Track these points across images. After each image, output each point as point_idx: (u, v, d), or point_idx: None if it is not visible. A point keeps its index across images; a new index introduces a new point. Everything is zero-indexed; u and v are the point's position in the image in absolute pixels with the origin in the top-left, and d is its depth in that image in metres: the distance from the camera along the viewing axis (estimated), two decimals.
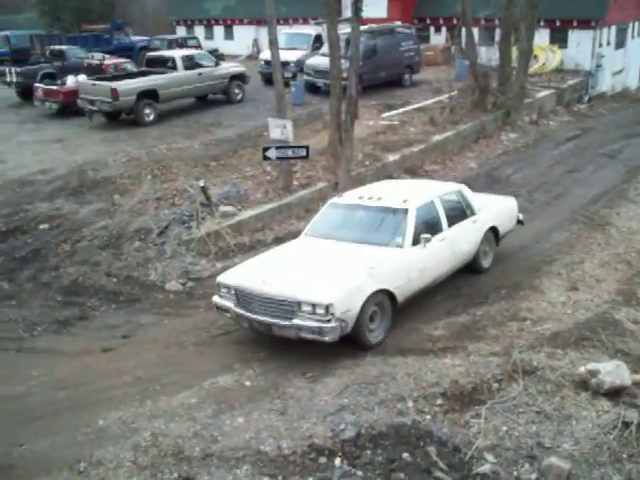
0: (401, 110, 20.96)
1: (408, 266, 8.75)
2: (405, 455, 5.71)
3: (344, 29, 18.17)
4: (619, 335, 7.89)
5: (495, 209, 10.88)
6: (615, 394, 6.38)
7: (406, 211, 9.17)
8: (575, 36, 27.08)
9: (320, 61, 21.39)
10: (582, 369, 6.66)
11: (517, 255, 11.50)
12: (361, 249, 8.83)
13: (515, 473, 5.52)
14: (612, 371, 6.46)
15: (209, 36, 37.93)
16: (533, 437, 5.91)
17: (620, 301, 9.16)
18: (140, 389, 7.66)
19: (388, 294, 8.41)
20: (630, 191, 15.18)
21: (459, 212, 10.09)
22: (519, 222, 11.41)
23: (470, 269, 10.37)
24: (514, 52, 21.86)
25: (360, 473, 5.59)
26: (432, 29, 31.22)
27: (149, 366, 8.38)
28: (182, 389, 7.51)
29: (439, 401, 6.54)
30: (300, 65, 23.45)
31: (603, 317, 8.46)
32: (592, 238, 12.07)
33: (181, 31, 39.23)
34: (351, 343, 8.11)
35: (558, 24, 26.97)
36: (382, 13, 29.14)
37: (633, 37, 31.74)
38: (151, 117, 20.00)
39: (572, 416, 6.17)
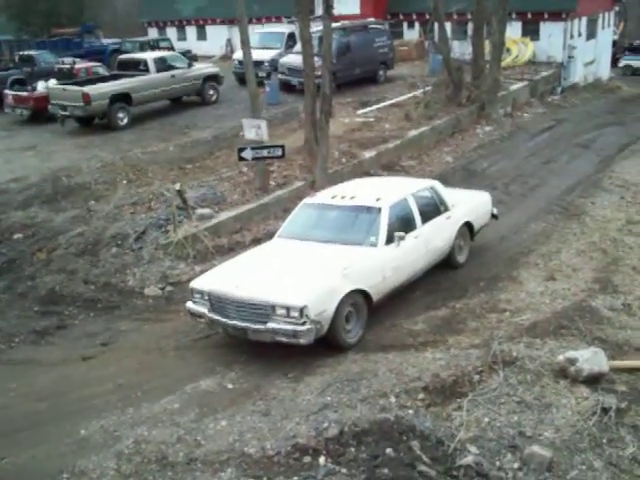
0: (376, 106, 21.00)
1: (382, 265, 8.71)
2: (389, 451, 5.71)
3: (317, 27, 18.17)
4: (596, 323, 7.99)
5: (469, 204, 10.91)
6: (594, 381, 6.46)
7: (379, 210, 9.15)
8: (547, 28, 27.30)
9: (294, 59, 21.36)
10: (561, 358, 6.72)
11: (495, 247, 11.58)
12: (335, 249, 8.77)
13: (498, 463, 5.56)
14: (590, 358, 6.54)
15: (181, 37, 37.74)
16: (515, 427, 5.96)
17: (596, 289, 9.27)
18: (121, 396, 7.59)
19: (363, 294, 8.38)
20: (604, 180, 15.36)
21: (433, 208, 10.10)
22: (493, 216, 11.46)
23: (446, 264, 10.40)
24: (487, 46, 21.99)
25: (344, 470, 5.58)
26: (405, 25, 31.34)
27: (130, 373, 8.30)
28: (164, 394, 7.46)
29: (421, 395, 6.56)
30: (274, 64, 23.42)
31: (580, 305, 8.56)
32: (568, 228, 12.20)
33: (153, 33, 38.99)
34: (327, 345, 8.08)
35: (529, 17, 27.18)
36: (355, 10, 29.19)
37: (603, 28, 32.10)
38: (125, 121, 19.86)
39: (552, 404, 6.23)
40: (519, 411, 6.17)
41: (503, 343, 7.38)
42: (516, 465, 5.52)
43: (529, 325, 8.07)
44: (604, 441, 5.74)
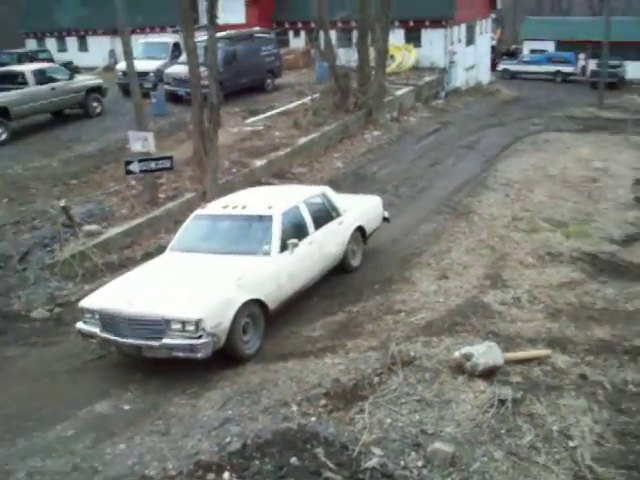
0: (265, 115, 21.01)
1: (277, 273, 8.69)
2: (293, 460, 5.63)
3: (203, 36, 17.95)
4: (488, 317, 8.24)
5: (360, 209, 11.05)
6: (489, 374, 6.63)
7: (271, 218, 9.11)
8: (428, 35, 28.30)
9: (180, 70, 20.98)
10: (457, 354, 6.87)
11: (388, 250, 11.77)
12: (228, 260, 8.66)
13: (402, 463, 5.59)
14: (485, 352, 6.71)
15: (62, 48, 36.46)
16: (417, 425, 6.01)
17: (487, 285, 9.58)
18: (10, 427, 7.17)
19: (259, 303, 8.31)
20: (489, 179, 15.98)
21: (325, 214, 10.17)
22: (385, 219, 11.68)
23: (341, 269, 10.47)
24: (372, 52, 22.45)
25: None
26: (291, 33, 31.64)
27: (19, 401, 7.85)
28: (57, 422, 7.10)
29: (323, 401, 6.53)
30: (160, 75, 22.95)
31: (473, 302, 8.81)
32: (457, 227, 12.56)
33: (31, 44, 37.53)
34: (226, 357, 7.95)
35: (411, 24, 28.12)
36: (241, 19, 29.18)
37: (482, 34, 33.66)
38: (3, 136, 18.84)
39: (452, 400, 6.34)
40: (420, 409, 6.25)
41: (400, 344, 7.47)
42: (420, 463, 5.57)
43: (425, 324, 8.22)
44: (503, 432, 5.89)
